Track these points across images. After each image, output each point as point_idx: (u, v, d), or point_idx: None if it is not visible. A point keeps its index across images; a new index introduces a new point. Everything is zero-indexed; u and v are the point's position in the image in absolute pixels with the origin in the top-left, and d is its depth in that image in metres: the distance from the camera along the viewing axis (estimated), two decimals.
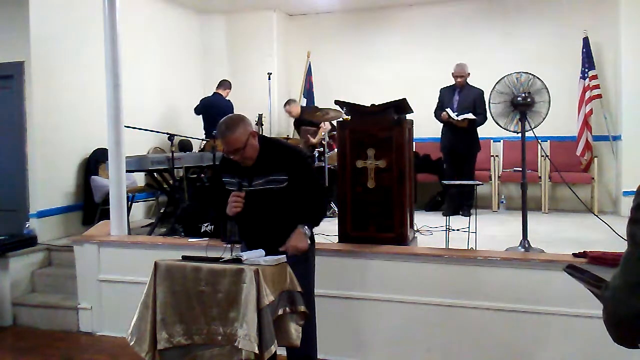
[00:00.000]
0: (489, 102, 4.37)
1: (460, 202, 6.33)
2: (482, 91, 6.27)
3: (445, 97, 6.52)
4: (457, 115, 6.27)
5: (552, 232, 5.36)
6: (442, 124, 6.53)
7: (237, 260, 2.67)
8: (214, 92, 7.32)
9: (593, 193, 6.72)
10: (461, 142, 6.36)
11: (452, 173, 6.43)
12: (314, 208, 2.97)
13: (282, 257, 2.72)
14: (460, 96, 6.44)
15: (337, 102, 7.16)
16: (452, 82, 6.54)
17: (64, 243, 5.37)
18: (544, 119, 4.28)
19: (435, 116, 6.54)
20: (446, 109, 6.35)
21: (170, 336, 2.61)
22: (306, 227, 2.87)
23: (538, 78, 4.24)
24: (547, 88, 4.24)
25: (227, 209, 2.84)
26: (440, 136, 6.60)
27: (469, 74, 6.43)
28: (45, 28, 5.63)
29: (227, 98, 7.28)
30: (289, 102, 7.49)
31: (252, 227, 2.95)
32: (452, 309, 3.74)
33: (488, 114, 4.51)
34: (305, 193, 2.93)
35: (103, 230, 4.87)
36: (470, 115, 6.21)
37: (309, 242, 2.88)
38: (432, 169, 7.07)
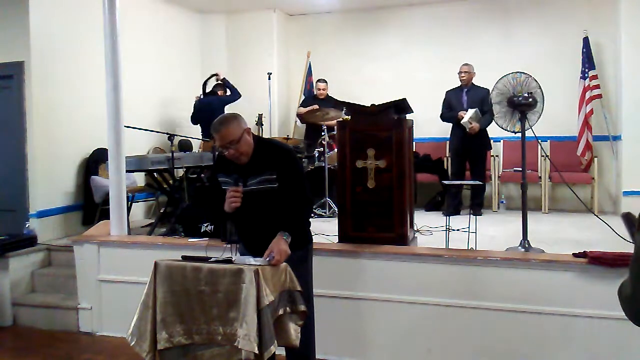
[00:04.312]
0: (490, 103, 4.37)
1: (472, 202, 6.35)
2: (488, 90, 6.28)
3: (453, 98, 6.58)
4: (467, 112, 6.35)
5: (552, 232, 5.35)
6: (451, 127, 6.59)
7: (228, 261, 2.67)
8: (212, 93, 7.28)
9: (593, 193, 6.72)
10: (474, 141, 6.39)
11: (459, 173, 6.47)
12: (295, 214, 2.91)
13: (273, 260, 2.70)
14: (468, 96, 6.52)
15: (337, 102, 7.22)
16: (455, 84, 6.63)
17: (64, 243, 5.37)
18: (538, 119, 4.29)
19: (443, 119, 6.61)
20: (460, 112, 6.42)
21: (171, 336, 2.61)
22: (286, 233, 2.79)
23: (533, 78, 4.26)
24: (541, 88, 4.25)
25: (225, 206, 2.84)
26: (450, 136, 6.64)
27: (475, 73, 6.55)
28: (45, 28, 5.63)
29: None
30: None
31: (248, 228, 2.95)
32: (452, 309, 3.74)
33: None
34: (290, 195, 2.89)
35: (103, 230, 4.87)
36: (471, 110, 6.27)
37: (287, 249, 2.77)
38: (432, 169, 7.07)
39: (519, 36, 7.34)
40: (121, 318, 3.77)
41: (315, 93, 7.55)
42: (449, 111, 6.55)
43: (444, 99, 6.64)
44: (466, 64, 6.60)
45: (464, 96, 6.54)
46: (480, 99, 6.35)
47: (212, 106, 7.00)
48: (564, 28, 7.12)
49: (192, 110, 7.19)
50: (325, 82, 7.50)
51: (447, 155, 7.11)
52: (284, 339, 2.66)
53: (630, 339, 3.29)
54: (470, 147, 6.43)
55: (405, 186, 4.14)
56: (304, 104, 7.46)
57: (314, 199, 6.24)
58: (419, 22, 7.85)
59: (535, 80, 4.24)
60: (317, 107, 6.91)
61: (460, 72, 6.58)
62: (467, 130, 6.31)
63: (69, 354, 4.30)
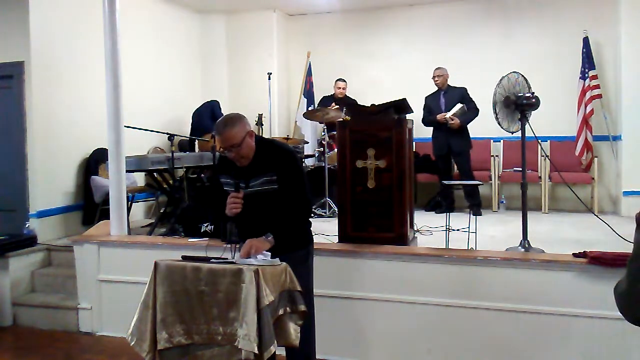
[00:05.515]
0: (493, 104, 4.34)
1: (469, 203, 6.43)
2: (465, 88, 6.59)
3: (432, 102, 6.73)
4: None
5: (552, 232, 5.35)
6: (432, 129, 6.70)
7: (230, 262, 2.67)
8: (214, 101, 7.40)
9: (593, 193, 6.72)
10: (455, 140, 6.53)
11: (446, 175, 6.58)
12: (288, 215, 2.87)
13: (276, 260, 2.70)
14: (446, 98, 6.66)
15: (337, 102, 7.25)
16: (456, 83, 6.73)
17: (63, 243, 5.37)
18: (530, 115, 4.33)
19: (425, 123, 6.71)
20: (440, 114, 6.54)
21: (171, 336, 2.61)
22: (271, 236, 2.79)
23: (524, 77, 4.27)
24: (529, 86, 4.29)
25: (226, 210, 2.84)
26: (431, 137, 6.74)
27: (448, 75, 6.69)
28: (45, 28, 5.63)
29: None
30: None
31: (250, 229, 2.94)
32: (452, 309, 3.74)
33: (491, 115, 4.50)
34: (288, 195, 2.87)
35: (103, 230, 4.87)
36: (458, 105, 6.42)
37: (266, 249, 2.76)
38: (432, 169, 7.07)
39: (518, 36, 7.34)
40: (121, 318, 3.77)
41: (334, 92, 7.53)
42: (429, 115, 6.65)
43: (424, 104, 6.76)
44: (438, 68, 6.72)
45: (442, 98, 6.67)
46: (459, 97, 6.50)
47: (212, 107, 7.14)
48: (564, 28, 7.13)
49: (192, 119, 7.32)
50: (345, 81, 7.53)
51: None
52: (284, 339, 2.66)
53: (629, 339, 3.29)
54: (453, 147, 6.55)
55: (405, 186, 4.14)
56: (321, 104, 7.44)
57: (314, 199, 6.25)
58: (419, 22, 7.85)
59: (526, 80, 4.26)
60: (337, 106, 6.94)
61: (433, 77, 6.70)
62: (448, 125, 6.41)
63: (69, 354, 4.31)
